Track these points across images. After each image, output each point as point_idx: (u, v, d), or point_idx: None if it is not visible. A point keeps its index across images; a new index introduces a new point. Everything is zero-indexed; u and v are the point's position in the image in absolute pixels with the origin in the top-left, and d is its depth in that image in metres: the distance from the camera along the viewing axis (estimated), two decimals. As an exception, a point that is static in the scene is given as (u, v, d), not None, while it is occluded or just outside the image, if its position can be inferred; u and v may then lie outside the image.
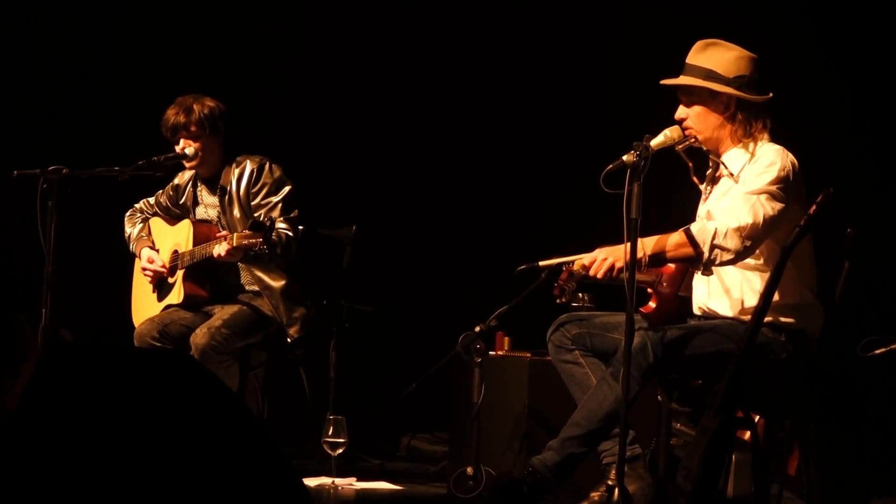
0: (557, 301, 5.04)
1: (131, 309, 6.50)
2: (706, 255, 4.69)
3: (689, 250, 4.74)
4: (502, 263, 5.36)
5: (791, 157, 4.83)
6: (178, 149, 6.17)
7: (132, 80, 7.77)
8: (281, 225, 6.07)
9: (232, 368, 6.09)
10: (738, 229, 4.68)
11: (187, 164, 6.23)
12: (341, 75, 7.97)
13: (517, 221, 7.59)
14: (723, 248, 4.69)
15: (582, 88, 7.42)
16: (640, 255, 4.68)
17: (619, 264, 4.75)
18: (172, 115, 6.16)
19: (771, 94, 4.90)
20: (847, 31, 6.72)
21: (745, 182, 4.80)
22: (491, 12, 7.70)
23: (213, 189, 6.30)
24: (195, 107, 6.15)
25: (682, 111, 4.94)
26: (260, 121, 7.40)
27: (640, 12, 7.25)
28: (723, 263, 4.75)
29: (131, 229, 6.50)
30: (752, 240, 4.71)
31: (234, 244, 5.80)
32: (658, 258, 4.80)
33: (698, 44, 4.95)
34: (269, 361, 6.41)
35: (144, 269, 6.36)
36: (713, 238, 4.68)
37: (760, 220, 4.70)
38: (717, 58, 4.88)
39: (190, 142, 6.16)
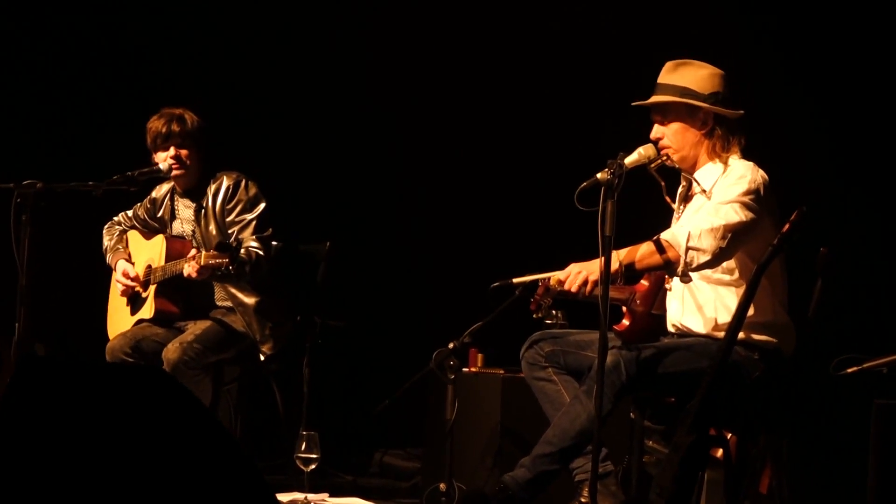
0: (534, 316, 5.04)
1: (107, 322, 6.49)
2: (682, 258, 4.67)
3: (664, 256, 4.72)
4: (476, 280, 5.37)
5: (761, 172, 4.84)
6: (159, 161, 6.15)
7: (108, 95, 7.77)
8: (252, 244, 6.07)
9: (203, 383, 6.08)
10: (712, 230, 4.67)
11: (174, 171, 6.18)
12: (317, 92, 7.98)
13: (491, 238, 7.59)
14: (698, 249, 4.67)
15: (556, 106, 7.44)
16: (614, 266, 4.67)
17: (593, 277, 4.74)
18: (162, 123, 6.14)
19: (743, 112, 4.94)
20: (818, 51, 6.75)
21: (717, 194, 4.81)
22: (463, 33, 7.71)
23: (190, 203, 6.29)
24: (186, 116, 6.18)
25: (657, 131, 4.95)
26: (235, 136, 7.39)
27: (613, 33, 7.27)
28: (700, 266, 4.72)
29: (108, 241, 6.49)
30: (727, 240, 4.68)
31: (202, 263, 5.79)
32: (633, 268, 4.77)
33: (669, 64, 4.97)
34: (243, 377, 6.40)
35: (119, 281, 6.35)
36: (687, 241, 4.67)
37: (733, 222, 4.70)
38: (690, 75, 4.90)
39: (181, 150, 6.14)
